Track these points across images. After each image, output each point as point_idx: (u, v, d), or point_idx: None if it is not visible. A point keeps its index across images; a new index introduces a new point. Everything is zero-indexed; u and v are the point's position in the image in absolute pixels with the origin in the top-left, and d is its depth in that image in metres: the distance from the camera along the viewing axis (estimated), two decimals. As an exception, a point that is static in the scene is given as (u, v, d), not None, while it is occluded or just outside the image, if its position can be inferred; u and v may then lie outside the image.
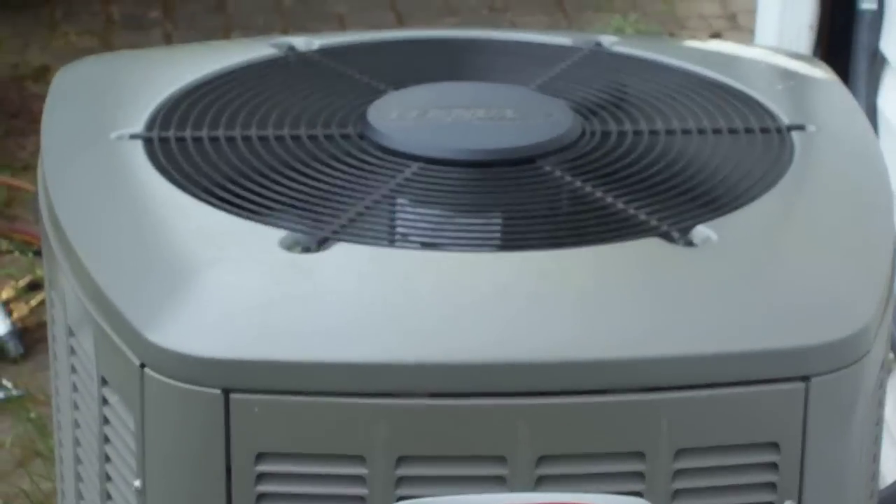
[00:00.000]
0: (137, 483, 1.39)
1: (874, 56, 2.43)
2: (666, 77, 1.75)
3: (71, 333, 1.50)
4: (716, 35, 4.66)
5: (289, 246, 1.41)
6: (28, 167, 3.89)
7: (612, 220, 1.47)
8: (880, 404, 1.50)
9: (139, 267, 1.42)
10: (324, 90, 1.70)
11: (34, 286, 3.42)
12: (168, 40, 4.73)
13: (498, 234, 1.49)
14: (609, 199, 1.49)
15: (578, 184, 1.52)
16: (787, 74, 1.82)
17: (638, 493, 1.35)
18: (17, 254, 3.54)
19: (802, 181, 1.56)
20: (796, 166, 1.57)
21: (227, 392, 1.32)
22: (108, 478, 1.45)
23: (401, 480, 1.33)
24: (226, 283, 1.37)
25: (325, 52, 1.81)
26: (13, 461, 2.95)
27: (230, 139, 1.60)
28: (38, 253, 3.41)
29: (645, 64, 1.78)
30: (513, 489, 1.34)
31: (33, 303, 3.34)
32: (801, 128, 1.64)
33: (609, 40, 1.85)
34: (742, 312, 1.37)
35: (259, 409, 1.32)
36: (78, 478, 1.54)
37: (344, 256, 1.41)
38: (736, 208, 1.49)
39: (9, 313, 3.31)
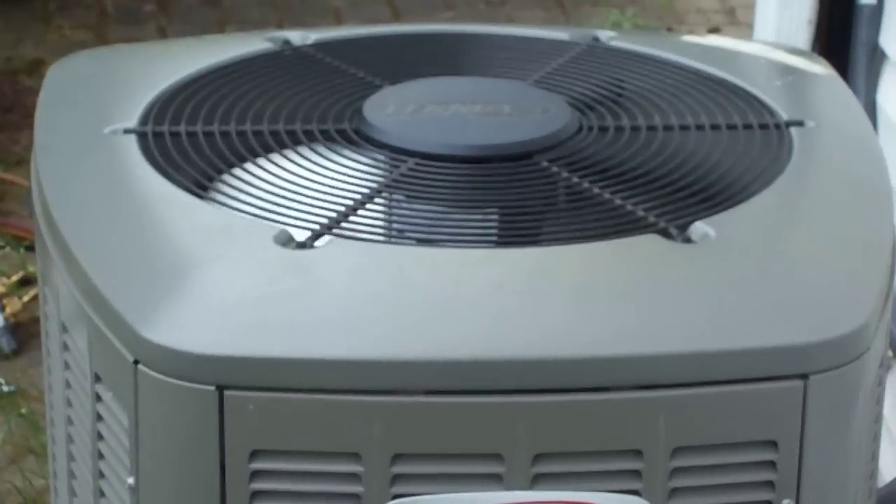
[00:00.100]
0: (131, 480, 1.38)
1: (873, 51, 2.42)
2: (664, 72, 1.74)
3: (64, 329, 1.49)
4: (714, 30, 4.66)
5: (283, 242, 1.40)
6: (21, 161, 3.88)
7: (609, 216, 1.46)
8: (879, 402, 1.49)
9: (133, 263, 1.42)
10: (319, 85, 1.69)
11: (26, 281, 3.41)
12: (162, 34, 4.73)
13: (494, 231, 1.49)
14: (606, 195, 1.49)
15: (576, 179, 1.51)
16: (786, 70, 1.82)
17: (635, 492, 1.34)
18: (8, 249, 3.53)
19: (801, 177, 1.56)
20: (795, 162, 1.57)
21: (221, 389, 1.32)
22: (102, 475, 1.45)
23: (396, 478, 1.33)
24: (220, 279, 1.36)
25: (320, 46, 1.80)
26: (5, 458, 2.94)
27: (225, 134, 1.59)
28: (30, 248, 3.40)
29: (643, 59, 1.78)
30: (509, 487, 1.33)
31: (26, 298, 3.34)
32: (799, 124, 1.64)
33: (606, 35, 1.84)
34: (740, 309, 1.37)
35: (253, 406, 1.32)
36: (71, 475, 1.54)
37: (339, 252, 1.40)
38: (734, 205, 1.48)
39: (1, 308, 3.31)
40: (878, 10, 2.42)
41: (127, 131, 1.60)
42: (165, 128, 1.60)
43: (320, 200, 1.47)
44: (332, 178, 1.51)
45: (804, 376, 1.35)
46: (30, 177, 1.65)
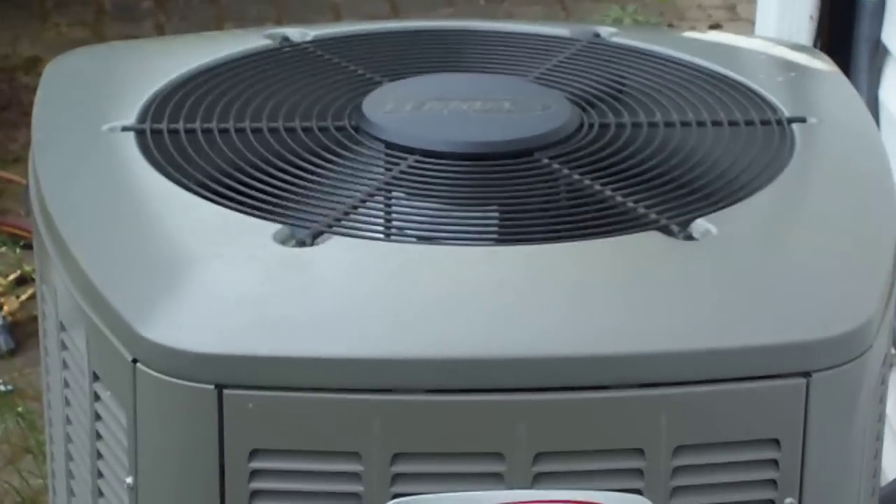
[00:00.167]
0: (129, 480, 1.38)
1: (876, 47, 2.42)
2: (665, 69, 1.74)
3: (62, 328, 1.49)
4: (715, 26, 4.66)
5: (283, 240, 1.40)
6: (19, 159, 3.88)
7: (610, 213, 1.46)
8: (882, 400, 1.49)
9: (131, 261, 1.41)
10: (318, 82, 1.69)
11: (23, 280, 3.40)
12: (160, 31, 4.72)
13: (495, 228, 1.48)
14: (608, 192, 1.48)
15: (577, 177, 1.50)
16: (788, 66, 1.81)
17: (637, 491, 1.34)
18: (5, 248, 3.52)
19: (803, 174, 1.55)
20: (797, 159, 1.57)
21: (220, 388, 1.31)
22: (100, 475, 1.44)
23: (396, 477, 1.32)
24: (219, 278, 1.36)
25: (319, 43, 1.80)
26: (3, 458, 2.94)
27: (223, 131, 1.59)
28: (27, 246, 3.39)
29: (644, 55, 1.78)
30: (510, 486, 1.33)
31: (23, 297, 3.33)
32: (802, 120, 1.64)
33: (607, 31, 1.84)
34: (742, 307, 1.36)
35: (253, 405, 1.31)
36: (69, 475, 1.53)
37: (339, 250, 1.39)
38: (736, 201, 1.48)
39: (-1, 307, 3.30)
40: (880, 5, 2.41)
41: (125, 129, 1.59)
42: (164, 125, 1.59)
43: (320, 198, 1.47)
44: (332, 176, 1.51)
45: (807, 374, 1.35)
46: (27, 175, 1.64)
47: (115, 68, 1.77)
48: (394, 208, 1.49)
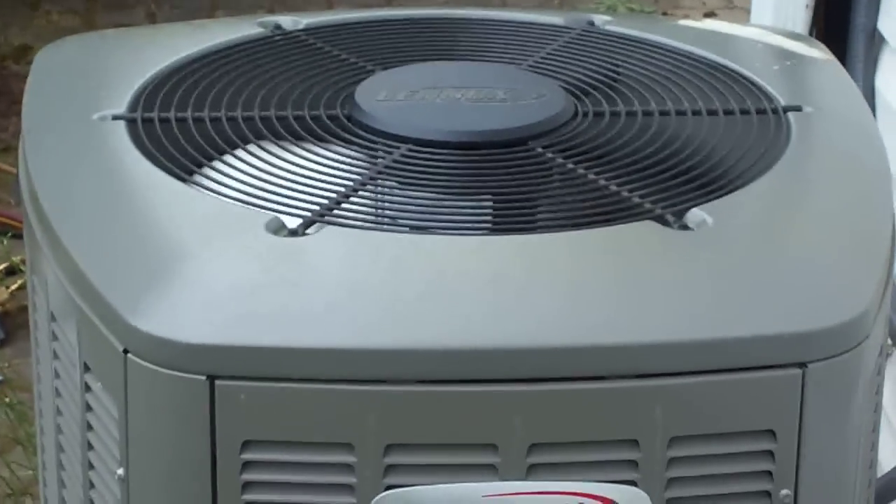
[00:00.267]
0: (120, 471, 1.37)
1: (872, 36, 2.41)
2: (660, 57, 1.73)
3: (53, 319, 1.48)
4: (710, 14, 4.66)
5: (275, 229, 1.39)
6: (9, 148, 3.87)
7: (605, 203, 1.45)
8: (878, 391, 1.48)
9: (122, 251, 1.40)
10: (311, 70, 1.68)
11: (12, 271, 3.40)
12: (152, 19, 4.71)
13: (489, 218, 1.47)
14: (602, 182, 1.47)
15: (571, 166, 1.50)
16: (784, 54, 1.81)
17: (631, 482, 1.33)
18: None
19: (799, 163, 1.55)
20: (793, 148, 1.56)
21: (212, 378, 1.30)
22: (91, 466, 1.44)
23: (389, 469, 1.32)
24: (210, 268, 1.35)
25: (312, 31, 1.79)
26: (-8, 449, 2.93)
27: (215, 120, 1.58)
28: (16, 236, 3.38)
29: (638, 44, 1.77)
30: (504, 477, 1.32)
31: (13, 287, 3.32)
32: (797, 109, 1.63)
33: (601, 19, 1.84)
34: (737, 297, 1.36)
35: (245, 396, 1.30)
36: (60, 466, 1.53)
37: (331, 240, 1.39)
38: (732, 191, 1.47)
39: (-12, 298, 3.30)
40: (876, -7, 2.41)
41: (116, 118, 1.58)
42: (155, 114, 1.59)
43: (312, 187, 1.46)
44: (324, 165, 1.50)
45: (803, 365, 1.34)
46: (17, 164, 1.63)
47: (106, 57, 1.76)
48: (387, 198, 1.48)
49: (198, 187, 1.46)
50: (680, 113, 1.61)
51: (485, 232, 1.45)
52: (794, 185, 1.53)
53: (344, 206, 1.44)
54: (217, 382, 1.30)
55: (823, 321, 1.35)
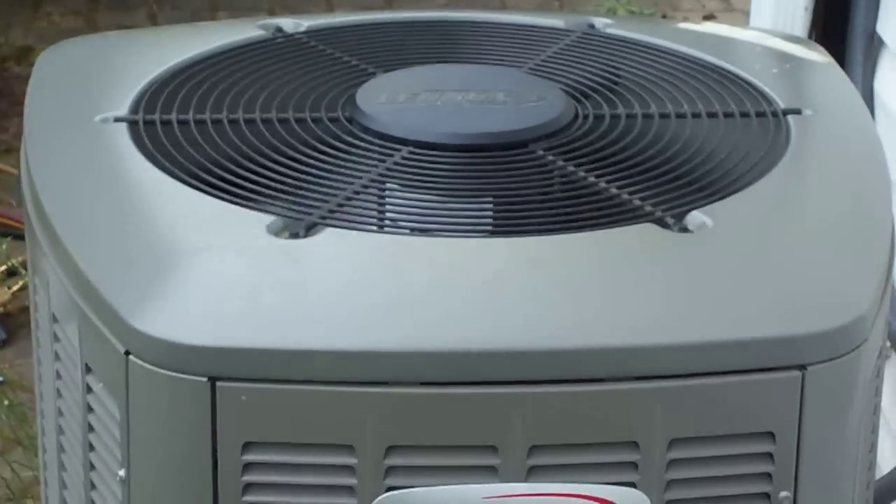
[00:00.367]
0: (122, 472, 1.37)
1: (871, 38, 2.41)
2: (660, 60, 1.73)
3: (54, 320, 1.48)
4: (709, 16, 4.66)
5: (276, 231, 1.39)
6: (10, 149, 3.87)
7: (605, 205, 1.45)
8: (877, 393, 1.49)
9: (124, 253, 1.40)
10: (312, 73, 1.68)
11: (13, 272, 3.39)
12: (153, 20, 4.71)
13: (489, 220, 1.48)
14: (602, 184, 1.48)
15: (571, 168, 1.50)
16: (783, 57, 1.81)
17: (631, 484, 1.34)
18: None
19: (799, 166, 1.55)
20: (792, 151, 1.56)
21: (213, 380, 1.31)
22: (93, 467, 1.44)
23: (390, 470, 1.32)
24: (212, 270, 1.35)
25: (313, 33, 1.79)
26: (-7, 449, 2.93)
27: (217, 122, 1.58)
28: (16, 237, 3.38)
29: (639, 47, 1.77)
30: (504, 479, 1.32)
31: (14, 288, 3.32)
32: (797, 112, 1.63)
33: (602, 22, 1.84)
34: (737, 300, 1.36)
35: (246, 398, 1.31)
36: (61, 467, 1.53)
37: (332, 242, 1.39)
38: (731, 194, 1.47)
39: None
40: (875, -4, 2.41)
41: (118, 119, 1.58)
42: (156, 116, 1.59)
43: (313, 190, 1.46)
44: (326, 167, 1.50)
45: (802, 367, 1.34)
46: (19, 165, 1.63)
47: (108, 59, 1.76)
48: (388, 200, 1.49)
49: (199, 189, 1.46)
50: (680, 116, 1.61)
51: (485, 234, 1.45)
52: (794, 187, 1.54)
53: (345, 208, 1.44)
54: (218, 384, 1.31)
55: (823, 324, 1.35)
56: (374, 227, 1.45)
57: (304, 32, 1.80)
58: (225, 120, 1.58)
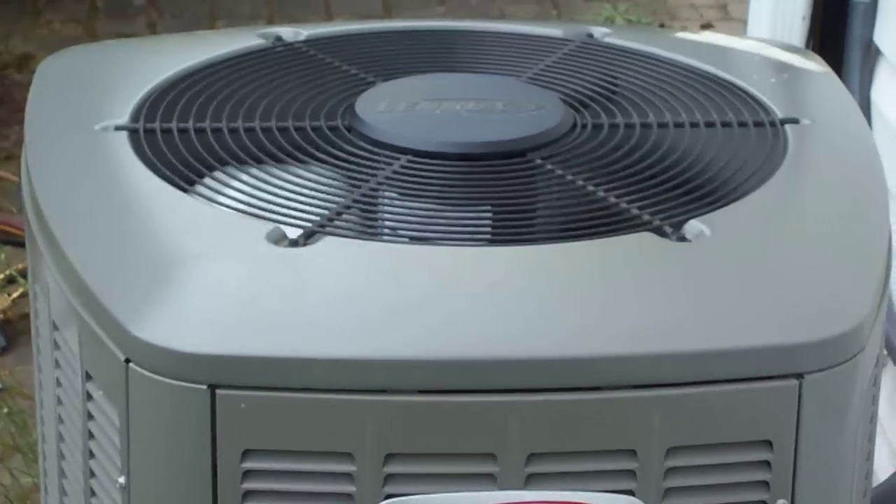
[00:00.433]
0: (122, 480, 1.38)
1: (868, 48, 2.42)
2: (658, 69, 1.74)
3: (55, 328, 1.49)
4: (707, 25, 4.66)
5: (276, 240, 1.39)
6: (11, 157, 3.87)
7: (603, 214, 1.45)
8: (874, 402, 1.49)
9: (124, 260, 1.41)
10: (311, 82, 1.69)
11: (13, 279, 3.39)
12: (153, 28, 4.71)
13: (488, 229, 1.48)
14: (601, 193, 1.48)
15: (570, 177, 1.50)
16: (781, 67, 1.81)
17: (629, 492, 1.34)
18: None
19: (796, 175, 1.55)
20: (790, 160, 1.56)
21: (213, 388, 1.31)
22: (93, 474, 1.44)
23: (389, 478, 1.32)
24: (212, 278, 1.35)
25: (312, 42, 1.80)
26: (-7, 455, 2.93)
27: (216, 131, 1.58)
28: (16, 244, 3.38)
29: (637, 56, 1.77)
30: (502, 487, 1.33)
31: (14, 295, 3.32)
32: (794, 121, 1.64)
33: (601, 32, 1.84)
34: (735, 309, 1.36)
35: (245, 406, 1.31)
36: (62, 474, 1.53)
37: (332, 250, 1.39)
38: (729, 203, 1.48)
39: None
40: (872, 6, 2.41)
41: (118, 128, 1.59)
42: (157, 124, 1.59)
43: (312, 198, 1.46)
44: (325, 176, 1.50)
45: (799, 376, 1.35)
46: (19, 172, 1.64)
47: (109, 67, 1.76)
48: (386, 208, 1.49)
49: (199, 197, 1.46)
50: (678, 125, 1.62)
51: (484, 243, 1.46)
52: (792, 197, 1.54)
53: (344, 216, 1.44)
54: (218, 392, 1.31)
55: (820, 333, 1.36)
56: (374, 236, 1.45)
57: (304, 42, 1.80)
58: (225, 128, 1.59)
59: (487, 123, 1.57)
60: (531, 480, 1.33)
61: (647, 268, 1.40)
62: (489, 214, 1.49)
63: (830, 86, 1.78)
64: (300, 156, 1.54)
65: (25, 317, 3.16)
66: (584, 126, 1.60)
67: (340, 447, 1.31)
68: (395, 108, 1.58)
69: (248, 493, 1.33)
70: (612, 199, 1.47)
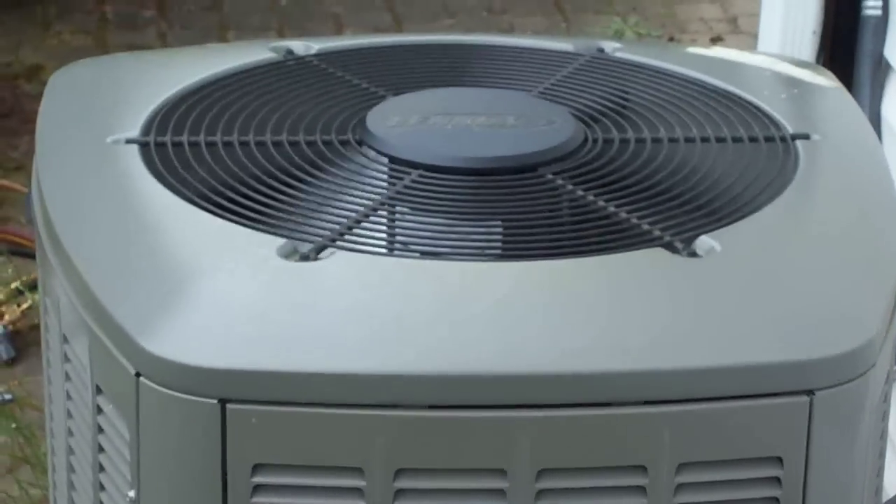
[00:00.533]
0: (132, 493, 1.38)
1: (878, 62, 2.42)
2: (669, 84, 1.74)
3: (65, 340, 1.49)
4: (717, 39, 4.66)
5: (287, 254, 1.39)
6: (20, 168, 3.87)
7: (614, 229, 1.45)
8: (884, 418, 1.49)
9: (135, 274, 1.41)
10: (322, 95, 1.69)
11: (22, 290, 3.39)
12: (162, 39, 4.72)
13: (499, 244, 1.48)
14: (611, 209, 1.48)
15: (580, 192, 1.50)
16: (792, 82, 1.81)
17: (639, 508, 1.34)
18: (5, 256, 3.51)
19: (807, 191, 1.55)
20: (801, 176, 1.56)
21: (223, 402, 1.31)
22: (102, 487, 1.44)
23: (399, 493, 1.32)
24: (223, 292, 1.36)
25: (323, 56, 1.80)
26: (2, 467, 2.93)
27: (227, 144, 1.58)
28: (26, 255, 3.38)
29: (647, 70, 1.77)
30: (512, 503, 1.32)
31: (24, 306, 3.32)
32: (805, 136, 1.63)
33: (611, 46, 1.84)
34: (745, 325, 1.36)
35: (256, 420, 1.31)
36: (71, 486, 1.53)
37: (342, 265, 1.39)
38: (740, 218, 1.48)
39: (-1, 316, 3.30)
40: (883, 20, 2.41)
41: (129, 141, 1.59)
42: (168, 138, 1.59)
43: (323, 212, 1.46)
44: (336, 190, 1.50)
45: (810, 392, 1.34)
46: (28, 183, 1.64)
47: (120, 80, 1.76)
48: (397, 223, 1.49)
49: (210, 211, 1.46)
50: (689, 140, 1.62)
51: (494, 258, 1.46)
52: (802, 212, 1.54)
53: (355, 231, 1.44)
54: (228, 406, 1.31)
55: (831, 349, 1.35)
56: (384, 250, 1.45)
57: (315, 55, 1.80)
58: (236, 142, 1.59)
59: (498, 138, 1.57)
60: (541, 496, 1.33)
61: (658, 283, 1.40)
62: (500, 229, 1.49)
63: (841, 101, 1.78)
64: (311, 170, 1.54)
65: (35, 328, 3.16)
66: (594, 141, 1.60)
67: (350, 462, 1.31)
68: (406, 123, 1.58)
69: (257, 508, 1.33)
70: (623, 215, 1.47)
